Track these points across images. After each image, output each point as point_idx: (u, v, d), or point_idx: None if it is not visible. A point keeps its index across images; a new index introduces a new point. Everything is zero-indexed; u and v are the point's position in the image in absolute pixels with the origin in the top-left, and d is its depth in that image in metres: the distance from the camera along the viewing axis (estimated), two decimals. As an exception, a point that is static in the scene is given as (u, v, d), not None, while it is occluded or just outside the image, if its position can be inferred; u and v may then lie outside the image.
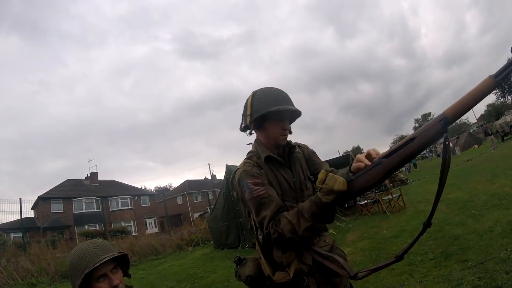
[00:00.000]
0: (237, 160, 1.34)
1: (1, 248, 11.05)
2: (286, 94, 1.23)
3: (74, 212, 26.32)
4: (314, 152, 1.37)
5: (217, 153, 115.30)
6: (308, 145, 1.39)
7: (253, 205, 1.11)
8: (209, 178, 42.53)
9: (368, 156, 0.98)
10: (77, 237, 20.01)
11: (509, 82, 39.11)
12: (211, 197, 20.84)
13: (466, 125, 52.58)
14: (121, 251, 1.13)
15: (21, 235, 11.95)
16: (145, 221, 31.57)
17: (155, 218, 32.91)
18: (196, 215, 30.20)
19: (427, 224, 0.91)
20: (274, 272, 1.12)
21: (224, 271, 5.65)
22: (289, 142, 1.29)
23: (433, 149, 33.59)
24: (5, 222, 12.78)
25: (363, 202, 8.13)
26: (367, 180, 0.92)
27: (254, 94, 1.23)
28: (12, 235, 16.31)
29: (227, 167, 8.22)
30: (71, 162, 80.00)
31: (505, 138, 20.16)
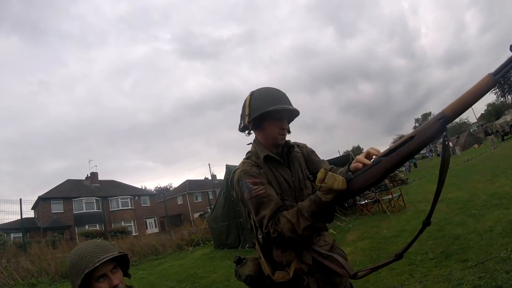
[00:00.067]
0: (237, 160, 1.33)
1: (2, 248, 11.07)
2: (284, 93, 1.24)
3: (74, 212, 26.32)
4: (313, 151, 1.37)
5: (217, 153, 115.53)
6: (307, 144, 1.39)
7: (252, 205, 1.11)
8: (209, 178, 42.54)
9: (368, 155, 0.99)
10: (77, 237, 19.97)
11: (509, 82, 39.12)
12: (211, 197, 20.82)
13: (466, 124, 52.55)
14: (121, 251, 1.13)
15: (21, 235, 11.95)
16: (145, 221, 31.57)
17: (155, 218, 32.92)
18: (196, 215, 30.23)
19: (427, 223, 0.91)
20: (274, 271, 1.12)
21: (224, 271, 5.65)
22: (288, 142, 1.30)
23: (433, 149, 33.59)
24: (5, 222, 12.84)
25: (363, 202, 8.12)
26: (366, 179, 0.92)
27: (252, 94, 1.24)
28: (12, 235, 16.32)
29: (227, 167, 8.22)
30: (71, 162, 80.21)
31: (505, 137, 20.13)
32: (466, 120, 53.84)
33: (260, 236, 1.17)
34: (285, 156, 1.27)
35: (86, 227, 24.92)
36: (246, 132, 1.30)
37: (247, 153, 1.30)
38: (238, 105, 1.30)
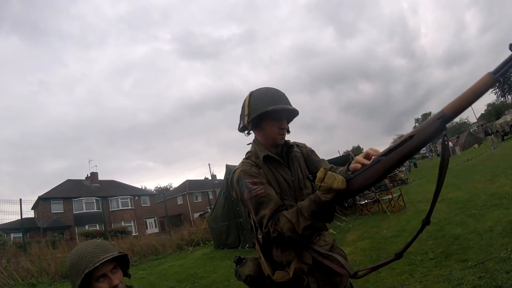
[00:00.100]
0: (237, 160, 1.33)
1: (2, 249, 11.07)
2: (283, 93, 1.24)
3: (74, 212, 26.33)
4: (312, 151, 1.37)
5: (217, 153, 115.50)
6: (306, 144, 1.39)
7: (252, 205, 1.11)
8: (209, 178, 42.53)
9: (367, 156, 0.98)
10: (77, 237, 19.98)
11: (509, 82, 39.11)
12: (211, 197, 20.81)
13: (466, 124, 52.53)
14: (121, 251, 1.13)
15: (21, 235, 11.95)
16: (145, 221, 31.57)
17: (155, 218, 32.92)
18: (196, 215, 30.22)
19: (426, 222, 0.91)
20: (274, 271, 1.12)
21: (224, 271, 5.65)
22: (287, 141, 1.30)
23: (433, 149, 33.57)
24: (5, 222, 12.82)
25: (363, 202, 8.12)
26: (366, 178, 0.92)
27: (251, 94, 1.24)
28: (12, 235, 16.33)
29: (227, 167, 8.22)
30: (71, 162, 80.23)
31: (505, 137, 20.13)
32: (466, 120, 53.90)
33: (260, 236, 1.17)
34: (285, 156, 1.27)
35: (86, 227, 24.92)
36: (246, 132, 1.30)
37: (247, 153, 1.30)
38: (238, 105, 1.30)
